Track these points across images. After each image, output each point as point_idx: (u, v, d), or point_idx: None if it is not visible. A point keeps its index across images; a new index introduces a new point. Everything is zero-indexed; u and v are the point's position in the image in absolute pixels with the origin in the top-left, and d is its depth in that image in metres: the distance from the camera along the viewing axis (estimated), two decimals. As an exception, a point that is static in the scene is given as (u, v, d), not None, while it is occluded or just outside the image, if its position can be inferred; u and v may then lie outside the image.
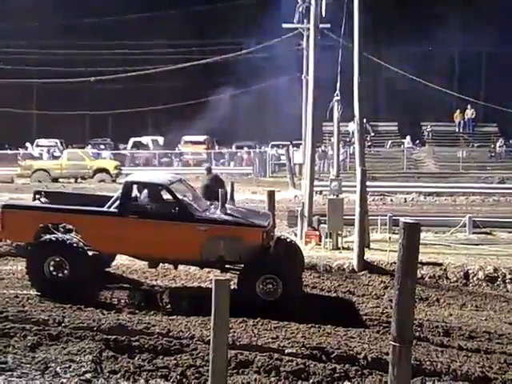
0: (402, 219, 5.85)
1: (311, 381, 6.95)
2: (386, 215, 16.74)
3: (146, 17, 47.12)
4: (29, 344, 7.37)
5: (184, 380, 6.81)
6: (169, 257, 10.46)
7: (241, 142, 44.59)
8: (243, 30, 43.69)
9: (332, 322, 9.06)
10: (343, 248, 14.69)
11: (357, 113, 13.91)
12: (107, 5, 44.76)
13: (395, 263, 6.11)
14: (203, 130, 43.27)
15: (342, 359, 7.42)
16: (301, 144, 30.46)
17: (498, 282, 12.49)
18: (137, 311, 9.65)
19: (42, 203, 11.28)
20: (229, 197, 11.85)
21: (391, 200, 25.95)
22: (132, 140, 43.40)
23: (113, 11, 44.48)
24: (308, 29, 21.28)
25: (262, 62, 39.48)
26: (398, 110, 44.30)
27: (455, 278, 12.60)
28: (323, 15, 16.61)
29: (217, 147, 44.33)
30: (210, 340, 5.81)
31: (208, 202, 11.25)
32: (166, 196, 10.54)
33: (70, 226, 10.49)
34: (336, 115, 16.29)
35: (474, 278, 12.58)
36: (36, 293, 10.06)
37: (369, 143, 37.94)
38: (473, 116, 43.06)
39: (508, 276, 12.51)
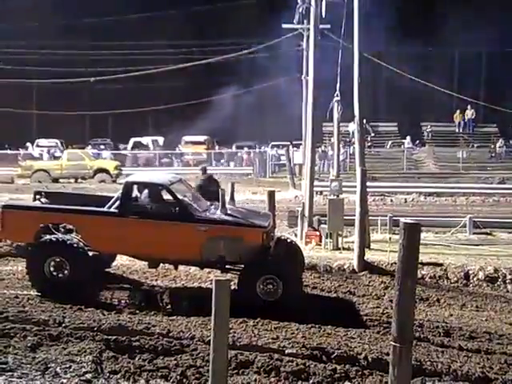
0: (402, 219, 5.85)
1: (311, 381, 6.95)
2: (386, 215, 16.75)
3: (146, 17, 47.14)
4: (29, 344, 7.36)
5: (184, 380, 6.80)
6: (169, 257, 10.46)
7: (241, 142, 44.60)
8: (243, 30, 43.70)
9: (332, 322, 9.06)
10: (343, 248, 14.69)
11: (357, 113, 13.92)
12: (107, 5, 44.77)
13: (395, 263, 6.13)
14: (203, 130, 43.29)
15: (342, 359, 7.42)
16: (301, 144, 30.43)
17: (498, 283, 12.49)
18: (137, 311, 9.66)
19: (43, 203, 11.28)
20: (229, 197, 11.86)
21: (391, 200, 25.96)
22: (132, 140, 43.40)
23: (113, 11, 44.49)
24: (308, 29, 21.29)
25: (262, 63, 39.46)
26: (398, 111, 44.34)
27: (455, 279, 12.60)
28: (323, 16, 16.61)
29: (217, 147, 44.33)
30: (210, 340, 5.81)
31: (208, 203, 11.25)
32: (167, 196, 10.53)
33: (71, 227, 10.49)
34: (336, 115, 16.29)
35: (475, 279, 12.58)
36: (36, 293, 10.07)
37: (369, 143, 37.97)
38: (473, 116, 43.08)
39: (508, 276, 12.51)
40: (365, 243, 13.51)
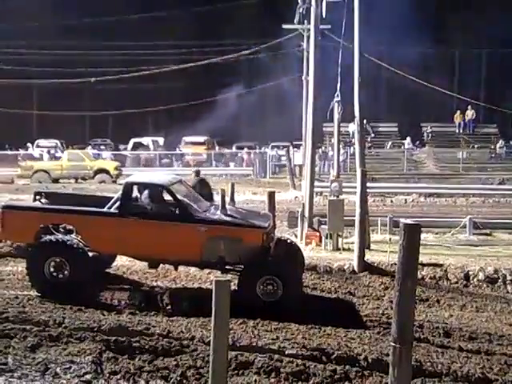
0: (402, 220, 5.86)
1: (311, 382, 6.94)
2: (386, 216, 16.74)
3: (146, 17, 47.16)
4: (29, 345, 7.36)
5: (184, 381, 6.80)
6: (169, 258, 10.46)
7: (241, 142, 44.61)
8: (244, 31, 43.77)
9: (332, 323, 9.07)
10: (343, 249, 14.69)
11: (357, 114, 13.92)
12: (107, 5, 44.80)
13: (395, 264, 6.13)
14: (204, 130, 43.30)
15: (342, 360, 7.41)
16: (301, 145, 30.47)
17: (498, 284, 12.48)
18: (137, 312, 9.65)
19: (43, 204, 11.29)
20: (229, 198, 11.85)
21: (391, 201, 25.95)
22: (132, 141, 43.41)
23: (113, 12, 44.51)
24: (308, 30, 21.32)
25: (263, 63, 39.55)
26: (399, 111, 44.35)
27: (455, 279, 12.59)
28: (323, 16, 16.61)
29: (217, 148, 44.34)
30: (210, 341, 5.81)
31: (208, 203, 11.25)
32: (167, 197, 10.54)
33: (71, 227, 10.49)
34: (336, 116, 16.29)
35: (475, 279, 12.58)
36: (36, 294, 10.07)
37: (369, 144, 37.98)
38: (473, 117, 43.09)
39: (508, 277, 12.50)
40: (365, 244, 13.50)
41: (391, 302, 9.16)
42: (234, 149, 44.47)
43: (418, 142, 42.75)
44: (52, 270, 10.04)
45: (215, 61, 34.34)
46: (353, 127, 22.17)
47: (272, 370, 7.04)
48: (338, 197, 15.33)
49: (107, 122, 51.96)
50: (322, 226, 15.57)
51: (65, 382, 6.55)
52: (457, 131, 43.84)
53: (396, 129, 44.95)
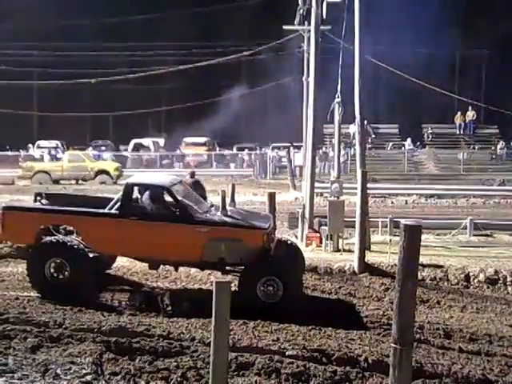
0: (402, 221, 5.85)
1: (312, 383, 6.94)
2: (386, 217, 16.71)
3: (147, 18, 47.17)
4: (29, 346, 7.37)
5: (184, 382, 6.81)
6: (169, 259, 10.46)
7: (241, 143, 44.62)
8: (245, 32, 43.76)
9: (333, 324, 9.07)
10: (344, 250, 14.68)
11: (358, 115, 13.92)
12: (108, 6, 44.82)
13: (396, 265, 6.12)
14: (204, 131, 43.31)
15: (342, 361, 7.41)
16: (301, 146, 30.45)
17: (498, 285, 12.48)
18: (137, 313, 9.66)
19: (43, 205, 11.29)
20: (229, 199, 11.86)
21: (392, 202, 25.94)
22: (133, 142, 43.42)
23: (114, 13, 44.52)
24: (309, 31, 21.31)
25: (263, 64, 39.51)
26: (399, 112, 44.34)
27: (456, 281, 12.59)
28: (324, 17, 16.62)
29: (217, 149, 44.36)
30: (210, 342, 5.82)
31: (209, 204, 11.25)
32: (167, 198, 10.54)
33: (71, 228, 10.50)
34: (337, 117, 16.29)
35: (475, 281, 12.57)
36: (37, 295, 10.08)
37: (370, 145, 37.99)
38: (474, 118, 43.11)
39: (509, 278, 12.49)
40: (365, 245, 13.50)
41: (391, 303, 9.14)
42: (234, 150, 44.48)
43: (418, 143, 42.76)
44: (52, 271, 10.04)
45: (216, 62, 34.34)
46: (353, 128, 22.19)
47: (272, 371, 7.04)
48: (338, 198, 15.32)
49: (108, 122, 51.96)
50: (323, 227, 15.56)
51: (65, 382, 6.55)
52: (457, 132, 43.86)
53: (397, 130, 44.97)
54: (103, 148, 44.78)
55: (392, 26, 36.94)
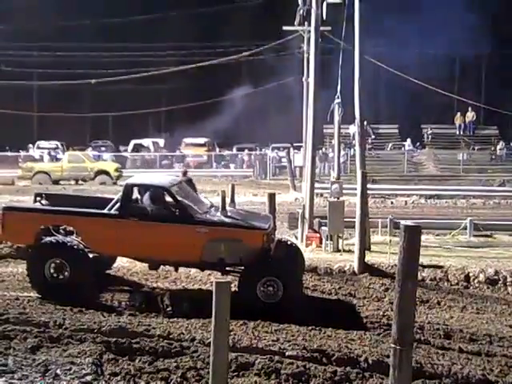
0: (402, 222, 5.86)
1: (312, 383, 6.94)
2: (386, 218, 16.70)
3: (147, 19, 47.16)
4: (29, 346, 7.37)
5: (184, 382, 6.80)
6: (169, 259, 10.46)
7: (241, 144, 44.63)
8: (245, 32, 43.73)
9: (333, 324, 9.07)
10: (344, 250, 14.69)
11: (357, 115, 13.93)
12: (108, 7, 44.82)
13: (396, 266, 6.12)
14: (204, 132, 43.31)
15: (342, 362, 7.41)
16: (301, 146, 30.46)
17: (498, 285, 12.48)
18: (137, 313, 9.66)
19: (43, 205, 11.29)
20: (229, 199, 11.86)
21: (392, 202, 25.95)
22: (133, 142, 43.42)
23: (114, 13, 44.52)
24: (309, 31, 21.31)
25: (264, 65, 39.51)
26: (399, 113, 44.33)
27: (456, 281, 12.59)
28: (324, 18, 16.62)
29: (217, 149, 44.36)
30: (210, 342, 5.81)
31: (209, 204, 11.25)
32: (167, 198, 10.54)
33: (71, 228, 10.50)
34: (337, 117, 16.29)
35: (475, 281, 12.57)
36: (37, 295, 10.07)
37: (369, 146, 38.00)
38: (473, 119, 43.14)
39: (509, 279, 12.49)
40: (365, 245, 13.51)
41: (391, 303, 9.15)
42: (234, 150, 44.49)
43: (418, 144, 42.77)
44: (52, 271, 10.05)
45: (216, 62, 34.34)
46: (353, 129, 22.19)
47: (272, 371, 7.04)
48: (338, 198, 15.32)
49: (108, 123, 51.94)
50: (323, 228, 15.56)
51: (65, 383, 6.55)
52: (457, 133, 43.89)
53: (396, 130, 44.98)
54: (103, 148, 44.79)
55: (392, 27, 36.95)
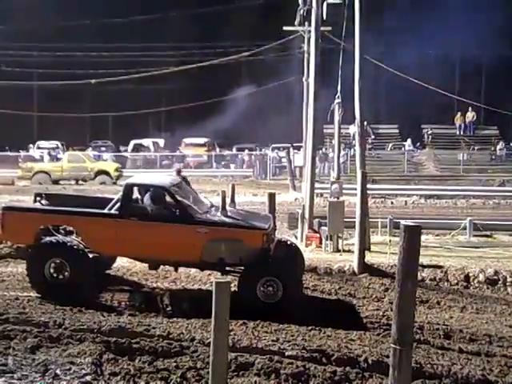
0: (402, 222, 5.86)
1: (311, 383, 6.94)
2: (386, 218, 16.72)
3: (147, 19, 47.14)
4: (29, 346, 7.37)
5: (184, 382, 6.80)
6: (169, 259, 10.46)
7: (241, 144, 44.62)
8: (245, 32, 43.74)
9: (332, 324, 9.07)
10: (344, 250, 14.69)
11: (358, 115, 13.93)
12: (108, 7, 44.81)
13: (396, 266, 6.12)
14: (205, 132, 43.30)
15: (342, 362, 7.41)
16: (301, 146, 30.47)
17: (498, 285, 12.49)
18: (137, 313, 9.66)
19: (43, 205, 11.29)
20: (229, 199, 11.85)
21: (392, 202, 25.95)
22: (133, 142, 43.42)
23: (114, 13, 44.52)
24: (309, 31, 21.31)
25: (264, 65, 39.49)
26: (399, 113, 44.33)
27: (456, 281, 12.59)
28: (324, 18, 16.63)
29: (217, 149, 44.36)
30: (210, 342, 5.81)
31: (209, 204, 11.25)
32: (167, 198, 10.53)
33: (71, 228, 10.50)
34: (337, 118, 16.30)
35: (475, 281, 12.58)
36: (36, 295, 10.07)
37: (370, 146, 38.00)
38: (473, 119, 43.15)
39: (509, 279, 12.50)
40: (365, 245, 13.51)
41: (391, 303, 9.14)
42: (234, 150, 44.48)
43: (418, 144, 42.78)
44: (52, 271, 10.04)
45: (216, 62, 34.34)
46: (353, 129, 22.19)
47: (272, 371, 7.04)
48: (338, 198, 15.33)
49: (108, 123, 51.95)
50: (323, 228, 15.57)
51: (65, 383, 6.55)
52: (457, 133, 43.90)
53: (397, 130, 44.98)
54: (103, 148, 44.79)
55: (392, 27, 36.97)
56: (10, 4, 43.22)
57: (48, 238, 10.17)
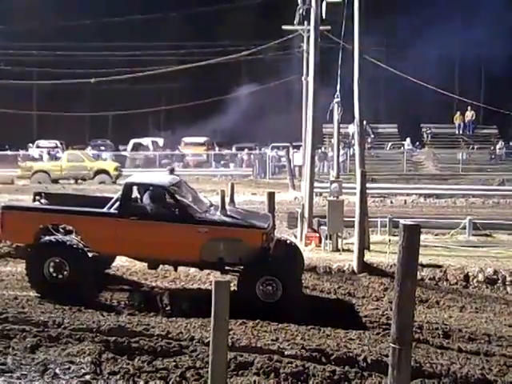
0: (401, 221, 5.86)
1: (311, 383, 6.94)
2: (385, 217, 16.73)
3: (147, 18, 47.16)
4: (28, 345, 7.37)
5: (183, 382, 6.80)
6: (169, 258, 10.46)
7: (241, 143, 44.61)
8: (245, 32, 43.74)
9: (332, 323, 9.07)
10: (343, 250, 14.69)
11: (357, 114, 13.93)
12: (107, 7, 44.81)
13: (395, 265, 6.11)
14: (205, 131, 43.29)
15: (341, 361, 7.41)
16: (301, 146, 30.46)
17: (497, 284, 12.49)
18: (136, 313, 9.66)
19: (42, 204, 11.29)
20: (229, 198, 11.85)
21: (391, 202, 25.94)
22: (132, 141, 43.41)
23: (113, 13, 44.52)
24: (308, 31, 21.28)
25: (263, 65, 39.51)
26: (398, 112, 44.33)
27: (455, 280, 12.59)
28: (323, 17, 16.61)
29: (217, 149, 44.36)
30: (209, 342, 5.81)
31: (208, 204, 11.24)
32: (167, 197, 10.53)
33: (70, 228, 10.50)
34: (336, 117, 16.29)
35: (474, 280, 12.58)
36: (36, 294, 10.07)
37: (369, 145, 37.96)
38: (473, 118, 43.13)
39: (508, 278, 12.50)
40: (364, 245, 13.51)
41: (391, 302, 9.15)
42: (233, 149, 44.47)
43: (417, 143, 42.76)
44: (51, 270, 10.04)
45: (216, 61, 34.32)
46: (352, 128, 22.15)
47: (271, 370, 7.05)
48: (337, 198, 15.32)
49: (107, 122, 51.96)
50: (322, 227, 15.57)
51: (64, 382, 6.56)
52: (457, 132, 43.86)
53: (396, 130, 44.94)
54: (102, 148, 44.75)
55: (392, 26, 36.98)
56: (9, 4, 43.22)
57: (47, 238, 10.17)
